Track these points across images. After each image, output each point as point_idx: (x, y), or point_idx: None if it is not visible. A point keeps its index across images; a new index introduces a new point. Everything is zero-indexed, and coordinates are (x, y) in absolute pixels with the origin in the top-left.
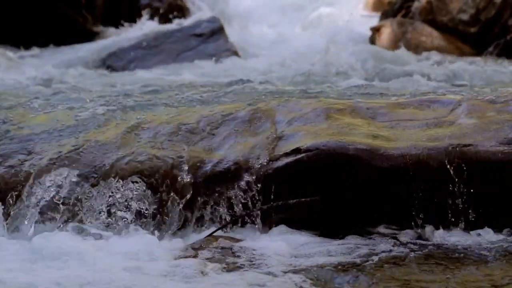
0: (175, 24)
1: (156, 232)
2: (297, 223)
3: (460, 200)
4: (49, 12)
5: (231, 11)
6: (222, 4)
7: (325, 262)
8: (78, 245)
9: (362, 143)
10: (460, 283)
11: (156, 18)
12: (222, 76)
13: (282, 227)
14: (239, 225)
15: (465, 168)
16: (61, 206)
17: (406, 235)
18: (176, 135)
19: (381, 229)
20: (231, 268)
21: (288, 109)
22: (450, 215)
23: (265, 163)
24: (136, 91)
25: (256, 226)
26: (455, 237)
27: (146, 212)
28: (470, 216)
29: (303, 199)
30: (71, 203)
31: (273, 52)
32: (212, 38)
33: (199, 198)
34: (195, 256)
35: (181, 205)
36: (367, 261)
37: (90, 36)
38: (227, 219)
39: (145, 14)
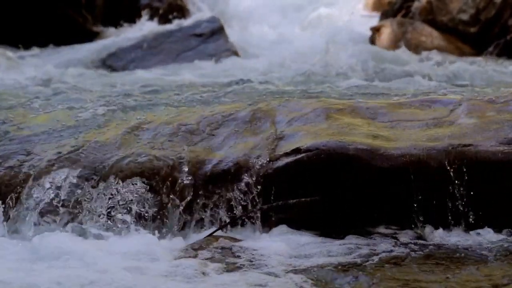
0: (175, 24)
1: (156, 232)
2: (297, 223)
3: (460, 200)
4: (49, 12)
5: (231, 12)
6: (222, 4)
7: (325, 262)
8: (79, 245)
9: (362, 143)
10: (460, 283)
11: (156, 18)
12: (222, 76)
13: (282, 227)
14: (239, 225)
15: (465, 168)
16: (61, 206)
17: (406, 235)
18: (176, 135)
19: (381, 229)
20: (231, 268)
21: (288, 109)
22: (450, 215)
23: (265, 163)
24: (136, 91)
25: (256, 226)
26: (455, 237)
27: (146, 213)
28: (470, 216)
29: (303, 199)
30: (71, 204)
31: (273, 52)
32: (212, 38)
33: (199, 198)
34: (195, 256)
35: (181, 206)
36: (368, 261)
37: (90, 36)
38: (227, 219)
39: (145, 14)
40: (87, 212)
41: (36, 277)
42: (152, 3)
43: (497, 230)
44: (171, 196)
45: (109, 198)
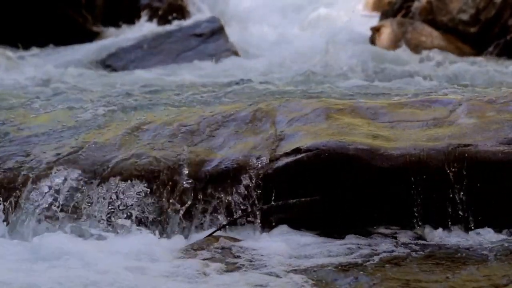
0: (175, 24)
1: (156, 232)
2: (298, 223)
3: (460, 200)
4: (49, 12)
5: (231, 12)
6: (222, 4)
7: (325, 262)
8: (79, 246)
9: (362, 143)
10: (461, 283)
11: (156, 19)
12: (222, 76)
13: (283, 227)
14: (240, 225)
15: (465, 168)
16: (61, 207)
17: (406, 235)
18: (176, 136)
19: (381, 229)
20: (232, 268)
21: (289, 109)
22: (450, 215)
23: (265, 163)
24: (136, 91)
25: (256, 226)
26: (455, 237)
27: (146, 213)
28: (470, 216)
29: (303, 199)
30: (71, 204)
31: (273, 52)
32: (212, 38)
33: (199, 198)
34: (196, 257)
35: (181, 207)
36: (368, 261)
37: (90, 36)
38: (228, 219)
39: (145, 14)
40: (87, 213)
41: (36, 277)
42: (152, 3)
43: (497, 230)
44: (171, 196)
45: (109, 200)
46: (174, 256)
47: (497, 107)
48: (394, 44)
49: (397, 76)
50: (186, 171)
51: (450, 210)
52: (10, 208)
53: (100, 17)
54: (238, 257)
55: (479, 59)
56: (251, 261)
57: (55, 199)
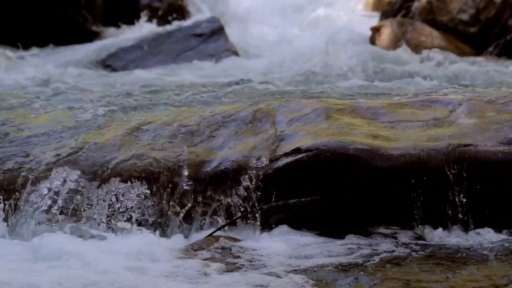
0: (175, 24)
1: (156, 232)
2: (298, 223)
3: (460, 200)
4: (49, 12)
5: (231, 12)
6: (222, 5)
7: (326, 262)
8: (79, 246)
9: (362, 143)
10: (461, 283)
11: (156, 19)
12: (222, 76)
13: (283, 227)
14: (240, 225)
15: (465, 168)
16: (61, 208)
17: (406, 235)
18: (176, 136)
19: (381, 229)
20: (232, 268)
21: (289, 109)
22: (450, 215)
23: (265, 163)
24: (136, 92)
25: (256, 226)
26: (455, 237)
27: (146, 213)
28: (470, 216)
29: (303, 199)
30: (71, 205)
31: (273, 52)
32: (212, 38)
33: (199, 198)
34: (196, 257)
35: (181, 207)
36: (368, 261)
37: (90, 36)
38: (228, 219)
39: (145, 14)
40: (87, 214)
41: (36, 277)
42: (152, 3)
43: (497, 230)
44: (171, 198)
45: (110, 198)
46: (174, 256)
47: (497, 107)
48: (394, 44)
49: (397, 76)
50: (186, 172)
51: (450, 210)
52: (10, 209)
53: (100, 17)
54: (238, 257)
55: (479, 59)
56: (251, 261)
57: (55, 200)
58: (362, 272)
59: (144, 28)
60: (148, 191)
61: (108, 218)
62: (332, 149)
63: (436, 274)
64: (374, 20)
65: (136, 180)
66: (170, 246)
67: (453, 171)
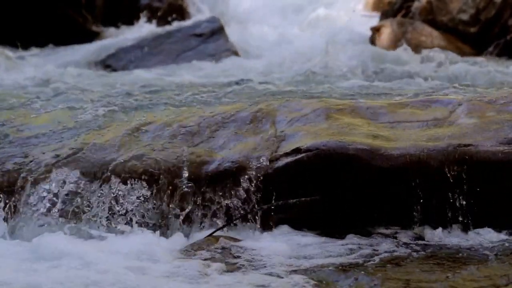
0: (175, 25)
1: (156, 232)
2: (298, 223)
3: (460, 200)
4: (49, 12)
5: (231, 13)
6: (222, 6)
7: (326, 262)
8: (79, 246)
9: (362, 143)
10: (461, 283)
11: (156, 19)
12: (222, 76)
13: (283, 227)
14: (240, 225)
15: (465, 168)
16: (61, 209)
17: (406, 235)
18: (176, 137)
19: (381, 229)
20: (232, 268)
21: (289, 109)
22: (450, 215)
23: (265, 163)
24: (136, 92)
25: (257, 226)
26: (455, 237)
27: (146, 214)
28: (470, 216)
29: (303, 199)
30: (71, 206)
31: (273, 52)
32: (212, 38)
33: (199, 199)
34: (196, 257)
35: (181, 207)
36: (369, 261)
37: (90, 36)
38: (228, 219)
39: (146, 14)
40: (88, 214)
41: (37, 277)
42: (152, 3)
43: (497, 230)
44: (172, 198)
45: (109, 201)
46: (174, 256)
47: (497, 107)
48: (394, 44)
49: (397, 76)
50: (186, 173)
51: (450, 210)
52: (10, 209)
53: (100, 17)
54: (238, 257)
55: (479, 59)
56: (251, 261)
57: (55, 201)
58: (362, 272)
59: (144, 28)
60: (148, 192)
61: (108, 219)
62: (332, 149)
63: (436, 274)
64: (374, 20)
65: (136, 181)
66: (170, 246)
67: (453, 171)
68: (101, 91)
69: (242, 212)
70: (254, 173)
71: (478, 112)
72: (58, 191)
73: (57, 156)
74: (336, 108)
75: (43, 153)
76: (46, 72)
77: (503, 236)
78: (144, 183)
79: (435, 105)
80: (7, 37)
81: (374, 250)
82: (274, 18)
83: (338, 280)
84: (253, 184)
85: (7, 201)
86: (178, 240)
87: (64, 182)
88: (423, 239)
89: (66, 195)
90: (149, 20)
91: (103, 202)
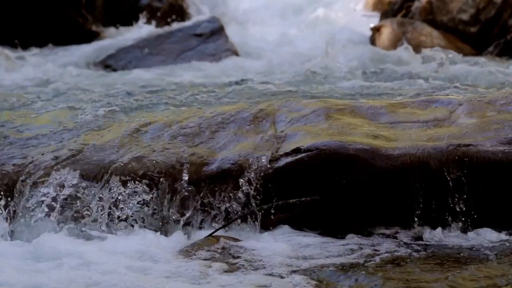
0: (175, 25)
1: (157, 232)
2: (298, 223)
3: (460, 200)
4: (49, 12)
5: (231, 13)
6: (222, 6)
7: (326, 262)
8: (80, 247)
9: (362, 143)
10: (461, 283)
11: (156, 19)
12: (222, 76)
13: (283, 227)
14: (240, 225)
15: (465, 168)
16: (61, 208)
17: (407, 235)
18: (176, 137)
19: (382, 229)
20: (233, 268)
21: (289, 109)
22: (450, 215)
23: (265, 163)
24: (136, 92)
25: (257, 226)
26: (455, 237)
27: (146, 213)
28: (470, 216)
29: (303, 199)
30: (71, 206)
31: (273, 52)
32: (212, 38)
33: (199, 198)
34: (197, 257)
35: (182, 207)
36: (369, 261)
37: (90, 36)
38: (228, 219)
39: (146, 14)
40: (89, 213)
41: (38, 277)
42: (152, 4)
43: (497, 230)
44: (172, 198)
45: (110, 199)
46: (174, 256)
47: (497, 107)
48: (394, 44)
49: (397, 76)
50: (186, 173)
51: (450, 210)
52: (10, 210)
53: (100, 18)
54: (239, 257)
55: (479, 59)
56: (251, 261)
57: (55, 202)
58: (363, 272)
59: (144, 28)
60: (149, 193)
61: (108, 219)
62: (332, 149)
63: (436, 274)
64: (374, 20)
65: (136, 182)
66: (170, 246)
67: (453, 171)
68: (101, 91)
69: (242, 212)
70: (254, 173)
71: (478, 112)
72: (59, 192)
73: (59, 156)
74: (336, 108)
75: (43, 154)
76: (46, 72)
77: (503, 236)
78: (145, 184)
79: (435, 105)
80: (7, 37)
81: (375, 250)
82: (274, 18)
83: (339, 280)
84: (253, 184)
85: (7, 202)
86: (178, 240)
87: (65, 183)
88: (423, 239)
89: (67, 195)
90: (149, 20)
91: (103, 205)
